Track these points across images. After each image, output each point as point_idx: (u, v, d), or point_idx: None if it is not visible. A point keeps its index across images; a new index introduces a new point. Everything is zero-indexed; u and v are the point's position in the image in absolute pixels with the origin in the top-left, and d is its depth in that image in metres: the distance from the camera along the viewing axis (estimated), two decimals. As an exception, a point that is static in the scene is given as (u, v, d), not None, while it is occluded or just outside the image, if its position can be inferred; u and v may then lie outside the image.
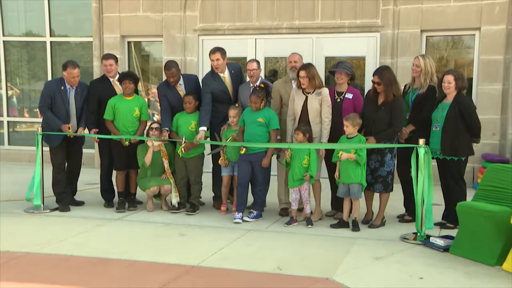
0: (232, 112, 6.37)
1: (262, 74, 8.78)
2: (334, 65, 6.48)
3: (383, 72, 5.79)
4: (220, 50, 6.58)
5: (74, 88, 6.68)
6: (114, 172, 6.87)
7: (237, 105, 6.53)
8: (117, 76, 6.82)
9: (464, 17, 8.34)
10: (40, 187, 6.60)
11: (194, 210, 6.54)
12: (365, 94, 6.70)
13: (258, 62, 6.59)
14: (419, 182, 5.37)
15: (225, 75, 6.67)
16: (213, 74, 6.65)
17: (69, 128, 6.53)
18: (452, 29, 8.51)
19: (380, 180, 5.90)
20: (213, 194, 7.00)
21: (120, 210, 6.65)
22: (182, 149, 6.39)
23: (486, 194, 5.12)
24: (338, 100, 6.19)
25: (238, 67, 6.94)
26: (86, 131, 6.73)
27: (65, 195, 6.75)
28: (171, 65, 6.60)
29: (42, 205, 6.63)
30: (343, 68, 6.18)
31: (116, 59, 6.86)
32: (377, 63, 8.70)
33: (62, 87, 6.64)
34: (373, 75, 5.86)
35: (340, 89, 6.24)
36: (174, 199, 6.60)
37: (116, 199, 6.90)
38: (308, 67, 6.08)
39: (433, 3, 8.43)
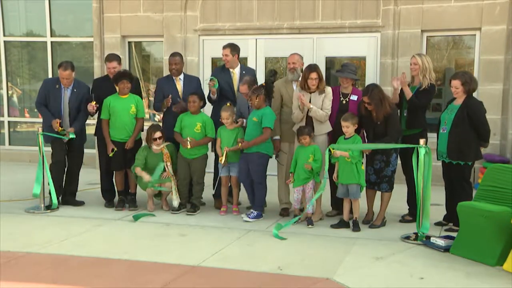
0: (225, 114, 6.32)
1: (262, 74, 8.84)
2: (340, 69, 6.46)
3: (373, 93, 5.77)
4: (230, 47, 6.71)
5: (70, 88, 6.70)
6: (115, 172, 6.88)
7: (228, 104, 6.48)
8: None
9: (465, 17, 8.33)
10: (53, 186, 6.63)
11: (194, 210, 6.54)
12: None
13: (248, 83, 6.36)
14: (419, 182, 5.37)
15: (235, 72, 6.72)
16: (223, 67, 6.81)
17: (58, 124, 6.54)
18: (452, 29, 8.51)
19: (385, 180, 5.92)
20: (212, 194, 7.00)
21: (119, 208, 6.66)
22: (189, 145, 6.40)
23: (486, 194, 5.12)
24: (344, 102, 6.24)
25: (252, 71, 7.03)
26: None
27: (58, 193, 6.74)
28: (176, 53, 6.93)
29: (42, 205, 6.64)
30: (348, 73, 6.22)
31: (119, 60, 6.92)
32: (378, 63, 8.73)
33: (57, 86, 6.69)
34: (363, 95, 5.87)
35: (345, 91, 6.29)
36: (175, 201, 6.58)
37: (116, 199, 6.90)
38: (318, 68, 6.15)
39: (433, 3, 8.43)
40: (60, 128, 6.57)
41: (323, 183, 5.69)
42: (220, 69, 6.94)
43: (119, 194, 6.85)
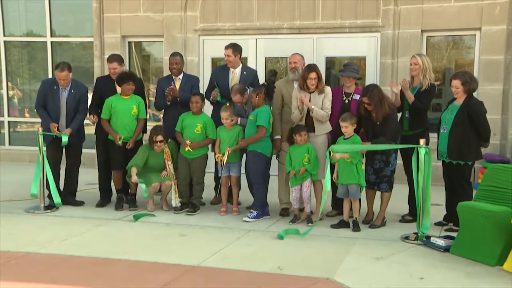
0: (224, 114, 6.32)
1: (262, 74, 8.85)
2: (342, 69, 6.45)
3: (372, 93, 5.77)
4: (232, 47, 6.73)
5: (67, 89, 6.70)
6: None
7: (228, 104, 6.48)
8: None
9: (465, 17, 8.33)
10: (54, 185, 6.62)
11: (194, 210, 6.54)
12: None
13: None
14: (419, 182, 5.37)
15: (236, 72, 6.73)
16: (224, 67, 6.87)
17: (56, 128, 6.55)
18: (452, 29, 8.51)
19: (385, 180, 5.93)
20: (211, 194, 7.02)
21: (118, 207, 6.68)
22: (189, 148, 6.41)
23: (486, 194, 5.12)
24: (347, 101, 6.25)
25: (253, 72, 7.02)
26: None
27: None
28: (176, 53, 6.97)
29: (42, 205, 6.64)
30: (351, 72, 6.22)
31: (119, 60, 6.94)
32: (378, 63, 8.73)
33: (55, 87, 6.71)
34: (363, 96, 5.87)
35: (348, 90, 6.30)
36: (174, 200, 6.59)
37: (113, 199, 6.91)
38: (317, 68, 6.14)
39: (433, 3, 8.43)
40: (57, 131, 6.58)
41: (325, 187, 5.58)
42: (220, 69, 6.97)
43: (117, 193, 6.83)
